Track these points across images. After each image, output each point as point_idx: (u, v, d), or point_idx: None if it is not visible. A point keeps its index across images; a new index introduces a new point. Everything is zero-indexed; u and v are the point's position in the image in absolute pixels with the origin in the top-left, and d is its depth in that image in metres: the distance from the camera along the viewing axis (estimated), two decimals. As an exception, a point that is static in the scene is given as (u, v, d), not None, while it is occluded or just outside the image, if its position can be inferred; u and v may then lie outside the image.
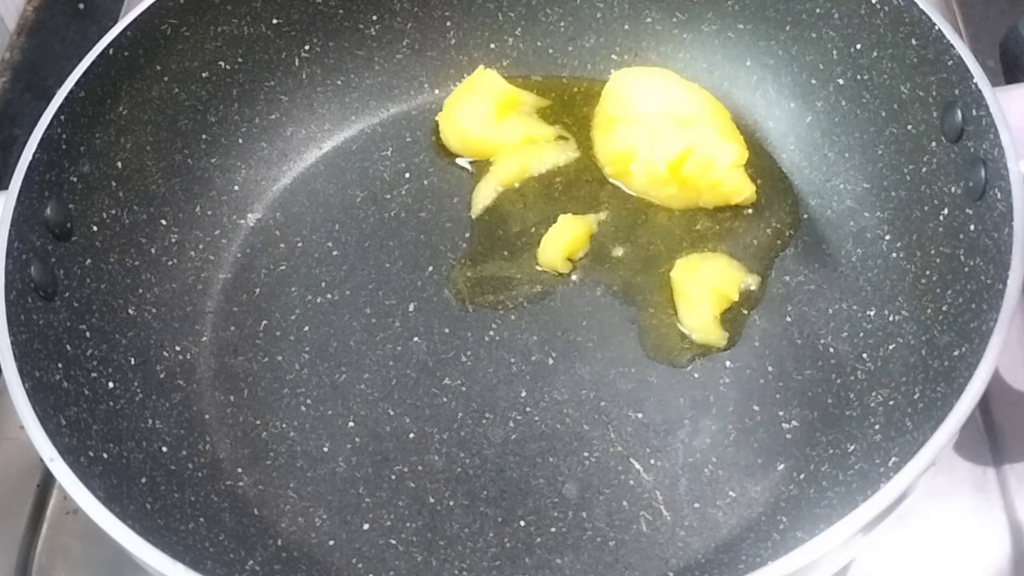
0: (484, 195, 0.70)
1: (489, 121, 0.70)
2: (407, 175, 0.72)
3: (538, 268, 0.66)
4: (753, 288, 0.64)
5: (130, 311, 0.62)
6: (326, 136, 0.74)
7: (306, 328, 0.65)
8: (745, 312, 0.63)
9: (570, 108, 0.73)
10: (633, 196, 0.69)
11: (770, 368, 0.61)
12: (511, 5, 0.74)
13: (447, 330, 0.64)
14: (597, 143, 0.71)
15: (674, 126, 0.67)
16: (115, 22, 0.64)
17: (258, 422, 0.62)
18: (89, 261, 0.61)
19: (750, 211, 0.67)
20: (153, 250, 0.66)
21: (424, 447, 0.60)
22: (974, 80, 0.54)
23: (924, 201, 0.59)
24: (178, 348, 0.64)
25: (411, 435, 0.60)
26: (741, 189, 0.66)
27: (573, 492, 0.57)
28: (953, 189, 0.57)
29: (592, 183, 0.70)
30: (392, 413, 0.61)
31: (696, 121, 0.67)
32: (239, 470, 0.60)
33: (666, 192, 0.68)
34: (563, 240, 0.66)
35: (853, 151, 0.65)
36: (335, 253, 0.68)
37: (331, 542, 0.57)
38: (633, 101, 0.69)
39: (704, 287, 0.63)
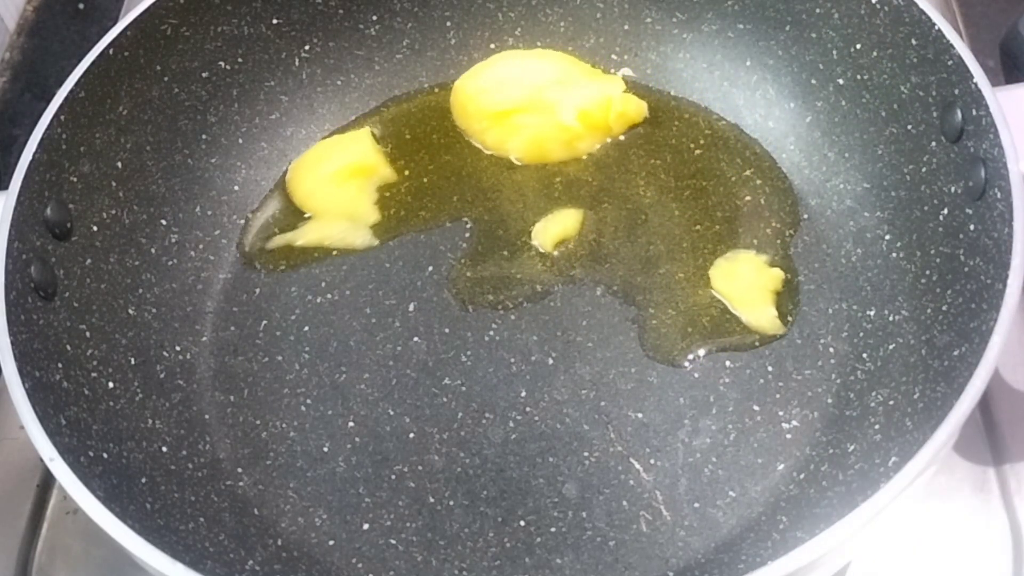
0: (275, 243, 0.69)
1: (326, 181, 0.70)
2: (407, 173, 0.72)
3: (538, 267, 0.66)
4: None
5: (130, 311, 0.62)
6: (326, 136, 0.74)
7: (306, 328, 0.65)
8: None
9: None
10: (632, 196, 0.69)
11: (770, 368, 0.61)
12: (511, 5, 0.74)
13: (447, 330, 0.64)
14: (495, 143, 0.71)
15: (557, 90, 0.70)
16: (115, 22, 0.64)
17: (258, 422, 0.62)
18: (89, 261, 0.61)
19: (749, 211, 0.67)
20: (153, 250, 0.66)
21: (424, 447, 0.60)
22: (974, 80, 0.54)
23: (924, 201, 0.59)
24: (178, 348, 0.64)
25: (411, 435, 0.60)
26: (640, 108, 0.72)
27: (573, 492, 0.57)
28: (953, 189, 0.57)
29: (592, 183, 0.70)
30: (392, 413, 0.61)
31: (566, 77, 0.71)
32: (239, 470, 0.60)
33: (582, 145, 0.71)
34: (554, 232, 0.67)
35: (853, 151, 0.66)
36: (335, 253, 0.68)
37: (331, 542, 0.57)
38: (507, 92, 0.70)
39: (755, 288, 0.63)
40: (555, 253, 0.67)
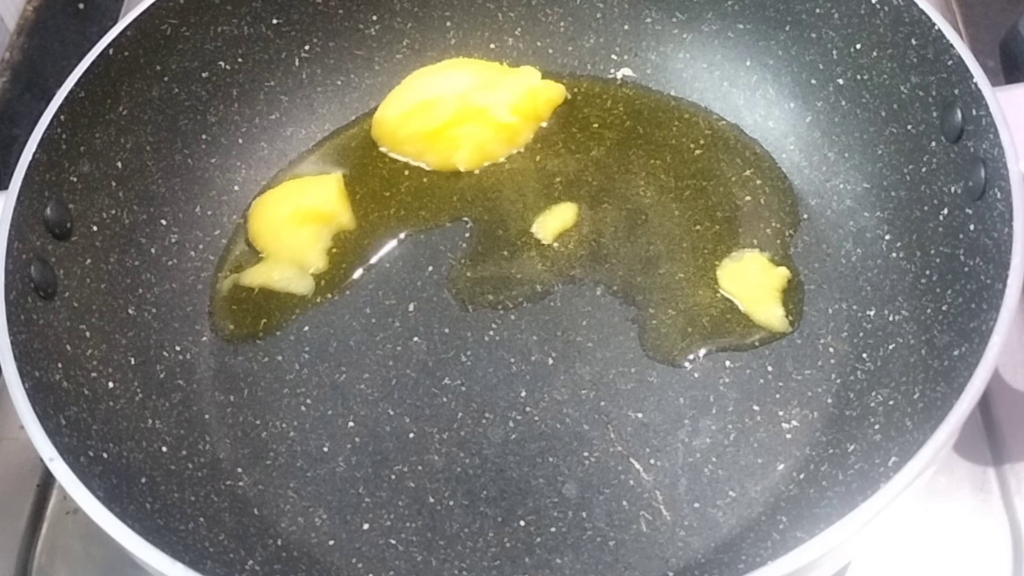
0: (225, 284, 0.67)
1: (280, 222, 0.68)
2: (406, 172, 0.72)
3: (538, 267, 0.66)
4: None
5: (130, 311, 0.62)
6: (326, 136, 0.74)
7: (306, 328, 0.65)
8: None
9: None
10: (632, 196, 0.69)
11: (770, 368, 0.61)
12: (511, 5, 0.74)
13: (447, 330, 0.64)
14: (438, 160, 0.71)
15: (482, 95, 0.71)
16: (115, 22, 0.64)
17: (258, 422, 0.62)
18: (89, 261, 0.61)
19: (749, 211, 0.67)
20: (153, 250, 0.66)
21: (424, 447, 0.60)
22: (974, 80, 0.54)
23: (924, 201, 0.59)
24: (178, 348, 0.64)
25: (411, 435, 0.60)
26: (559, 90, 0.73)
27: (573, 492, 0.57)
28: (953, 189, 0.57)
29: (592, 183, 0.70)
30: (392, 413, 0.61)
31: (483, 81, 0.71)
32: (239, 470, 0.60)
33: (522, 138, 0.72)
34: (553, 226, 0.68)
35: (853, 151, 0.66)
36: (334, 252, 0.68)
37: (331, 542, 0.57)
38: (436, 109, 0.70)
39: (762, 287, 0.63)
40: (556, 246, 0.67)
